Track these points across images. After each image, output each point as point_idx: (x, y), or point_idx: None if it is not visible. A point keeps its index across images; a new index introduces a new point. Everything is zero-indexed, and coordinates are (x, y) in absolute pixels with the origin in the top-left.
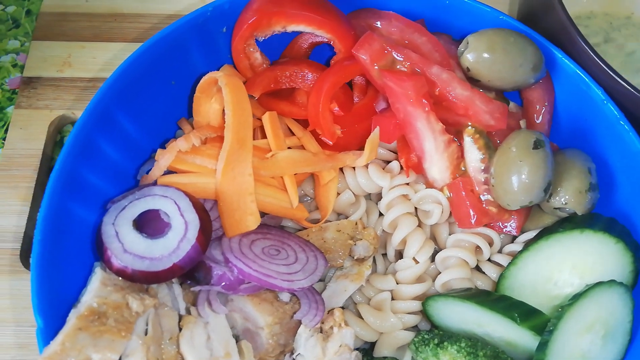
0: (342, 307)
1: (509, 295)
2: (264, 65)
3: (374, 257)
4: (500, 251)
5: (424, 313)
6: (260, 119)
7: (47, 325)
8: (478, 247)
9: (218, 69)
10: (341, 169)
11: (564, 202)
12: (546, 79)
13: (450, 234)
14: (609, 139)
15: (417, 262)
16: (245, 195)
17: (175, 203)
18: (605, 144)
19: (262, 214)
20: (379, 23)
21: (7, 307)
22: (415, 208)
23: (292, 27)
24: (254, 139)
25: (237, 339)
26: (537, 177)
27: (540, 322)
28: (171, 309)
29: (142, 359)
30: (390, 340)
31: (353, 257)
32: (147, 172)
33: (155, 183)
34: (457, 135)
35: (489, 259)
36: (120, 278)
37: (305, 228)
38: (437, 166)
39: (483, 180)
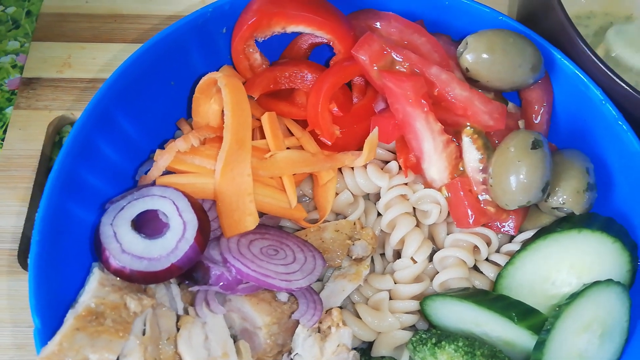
0: (340, 307)
1: (507, 294)
2: (264, 66)
3: (372, 257)
4: (498, 251)
5: (421, 313)
6: (259, 120)
7: (45, 326)
8: (476, 246)
9: (218, 70)
10: (340, 169)
11: (561, 202)
12: (545, 80)
13: (448, 234)
14: (607, 139)
15: (415, 261)
16: (244, 196)
17: (174, 203)
18: (604, 144)
19: (261, 214)
20: (378, 24)
21: (4, 307)
22: (414, 208)
23: (291, 28)
24: (253, 140)
25: (235, 339)
26: (535, 177)
27: (538, 321)
28: (169, 309)
29: (140, 359)
30: (388, 340)
31: (351, 257)
32: (146, 173)
33: (153, 183)
34: (456, 136)
35: (486, 259)
36: (118, 278)
37: (303, 228)
38: (436, 166)
39: (481, 180)
